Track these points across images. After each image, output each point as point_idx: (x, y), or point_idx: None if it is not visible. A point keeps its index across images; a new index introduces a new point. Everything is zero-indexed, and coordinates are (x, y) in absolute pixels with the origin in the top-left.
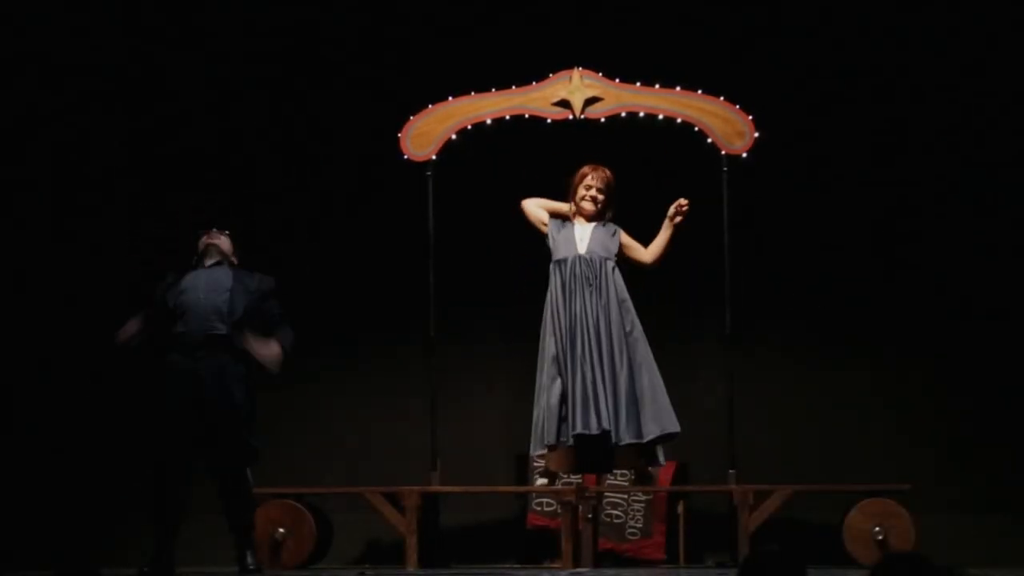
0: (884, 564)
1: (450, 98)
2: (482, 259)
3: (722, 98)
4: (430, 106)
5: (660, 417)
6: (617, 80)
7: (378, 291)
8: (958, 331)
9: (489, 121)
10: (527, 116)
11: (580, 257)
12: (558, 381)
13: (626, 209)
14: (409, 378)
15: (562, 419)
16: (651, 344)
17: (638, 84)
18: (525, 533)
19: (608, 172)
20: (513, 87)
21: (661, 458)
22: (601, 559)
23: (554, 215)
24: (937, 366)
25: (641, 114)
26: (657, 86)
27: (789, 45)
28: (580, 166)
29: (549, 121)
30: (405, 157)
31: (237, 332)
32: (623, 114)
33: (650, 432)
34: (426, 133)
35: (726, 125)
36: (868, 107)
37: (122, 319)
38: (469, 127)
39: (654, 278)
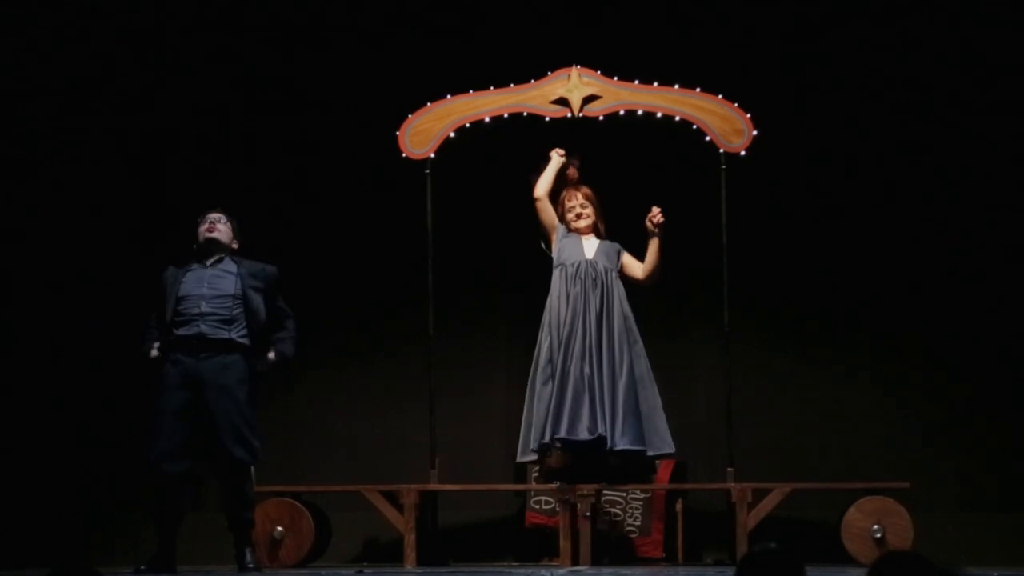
0: (882, 562)
1: (448, 96)
2: (481, 257)
3: (720, 96)
4: (429, 104)
5: (661, 434)
6: (615, 78)
7: (377, 289)
8: (958, 329)
9: (488, 119)
10: (525, 114)
11: (588, 262)
12: (550, 384)
13: (625, 207)
14: (408, 376)
15: (554, 421)
16: (650, 341)
17: (636, 82)
18: (523, 531)
19: (586, 188)
20: (512, 85)
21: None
22: (599, 557)
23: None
24: (936, 365)
25: (639, 112)
26: (655, 84)
27: (788, 43)
28: (579, 161)
29: (547, 119)
30: (404, 155)
31: (262, 336)
32: (621, 112)
33: (655, 447)
34: (425, 131)
35: (724, 123)
36: (868, 105)
37: (122, 317)
38: (467, 125)
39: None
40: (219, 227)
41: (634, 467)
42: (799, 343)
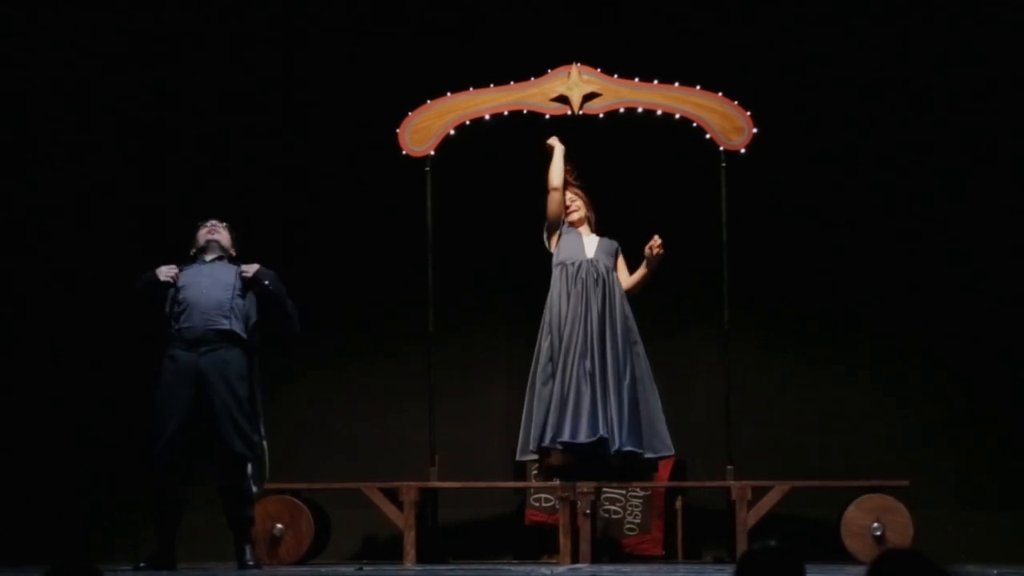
0: (882, 560)
1: (448, 94)
2: (481, 254)
3: (720, 94)
4: (428, 101)
5: (661, 437)
6: (615, 76)
7: (377, 286)
8: (958, 327)
9: (487, 117)
10: (525, 112)
11: (589, 261)
12: (550, 384)
13: (625, 205)
14: (408, 373)
15: (555, 422)
16: (650, 339)
17: (636, 80)
18: (523, 529)
19: (573, 187)
20: (511, 83)
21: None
22: (599, 555)
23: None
24: (936, 362)
25: (639, 110)
26: (655, 82)
27: (788, 40)
28: (578, 162)
29: (547, 117)
30: (404, 152)
31: (252, 334)
32: (621, 110)
33: (654, 450)
34: (424, 128)
35: (724, 121)
36: (868, 104)
37: (122, 317)
38: (467, 123)
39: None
40: (220, 231)
41: (633, 469)
42: (799, 341)
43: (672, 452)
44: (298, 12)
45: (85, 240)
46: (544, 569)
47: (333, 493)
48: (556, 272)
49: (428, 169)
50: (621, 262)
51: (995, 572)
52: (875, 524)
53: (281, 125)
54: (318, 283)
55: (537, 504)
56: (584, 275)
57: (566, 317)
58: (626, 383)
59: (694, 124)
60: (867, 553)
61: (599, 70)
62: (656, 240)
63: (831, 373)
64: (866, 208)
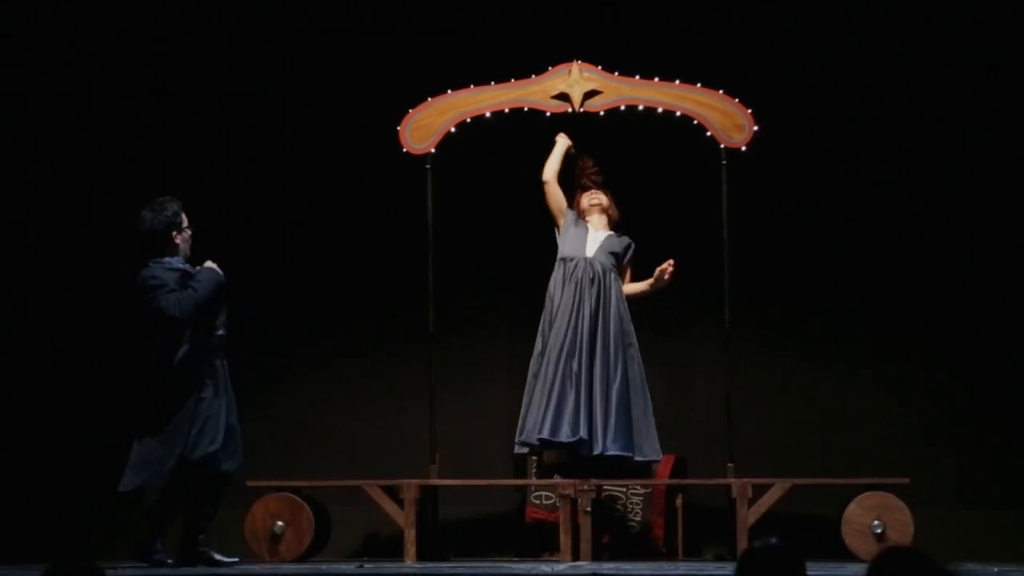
0: (882, 558)
1: (449, 91)
2: (481, 252)
3: (721, 91)
4: (429, 99)
5: (651, 441)
6: (616, 73)
7: (378, 284)
8: (959, 326)
9: (488, 114)
10: (526, 109)
11: (586, 260)
12: (537, 379)
13: (626, 203)
14: (408, 371)
15: (538, 419)
16: (651, 337)
17: (637, 77)
18: (524, 526)
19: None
20: (512, 80)
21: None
22: (599, 552)
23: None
24: (937, 360)
25: (640, 107)
26: (656, 79)
27: (788, 38)
28: (578, 159)
29: (548, 114)
30: (404, 150)
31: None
32: (622, 107)
33: (643, 454)
34: (425, 126)
35: (725, 118)
36: (869, 102)
37: (122, 317)
38: (468, 120)
39: (652, 271)
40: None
41: (623, 470)
42: (800, 340)
43: (659, 457)
44: (298, 12)
45: (85, 240)
46: (545, 566)
47: (334, 490)
48: (556, 266)
49: (429, 167)
50: (629, 267)
51: (996, 570)
52: (876, 522)
53: (281, 125)
54: (318, 282)
55: (538, 502)
56: (580, 274)
57: (557, 313)
58: (615, 386)
59: (695, 122)
60: (868, 551)
61: (600, 67)
62: (670, 265)
63: (832, 371)
64: (867, 206)
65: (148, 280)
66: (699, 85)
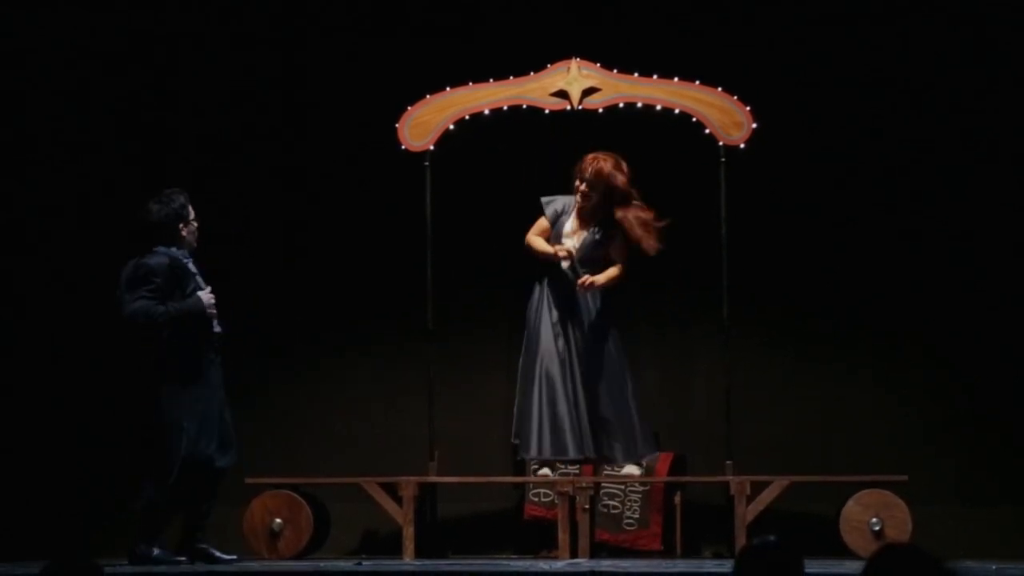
0: (881, 555)
1: (448, 88)
2: (480, 249)
3: (720, 89)
4: (428, 96)
5: (647, 439)
6: (615, 71)
7: (376, 281)
8: (959, 325)
9: (487, 111)
10: (525, 107)
11: (569, 262)
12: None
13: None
14: (407, 368)
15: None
16: (650, 335)
17: (636, 75)
18: (522, 524)
19: (603, 164)
20: (511, 77)
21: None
22: (598, 550)
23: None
24: (936, 358)
25: (639, 105)
26: (655, 77)
27: (787, 35)
28: (578, 157)
29: (547, 112)
30: (403, 147)
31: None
32: (621, 105)
33: (642, 452)
34: (424, 123)
35: (724, 116)
36: (869, 100)
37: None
38: (467, 117)
39: (652, 270)
40: None
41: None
42: (799, 338)
43: (657, 454)
44: (298, 12)
45: (85, 240)
46: (543, 564)
47: (332, 488)
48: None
49: (427, 164)
50: (616, 247)
51: (994, 567)
52: (874, 519)
53: (281, 125)
54: (317, 280)
55: (536, 499)
56: (560, 276)
57: (544, 317)
58: (604, 387)
59: (693, 119)
60: (866, 548)
61: (598, 65)
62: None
63: (831, 370)
64: (867, 205)
65: (137, 271)
66: (697, 82)
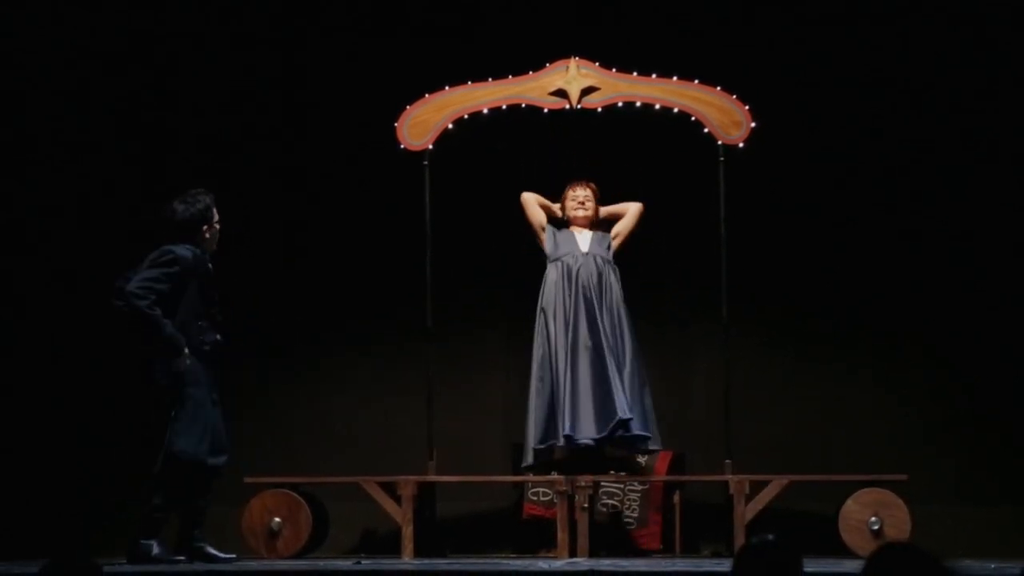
0: (880, 553)
1: (447, 87)
2: (479, 248)
3: (719, 88)
4: (427, 95)
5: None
6: (614, 70)
7: (376, 281)
8: (958, 325)
9: (486, 111)
10: (524, 106)
11: (584, 255)
12: (546, 384)
13: (623, 200)
14: (406, 367)
15: (552, 423)
16: (650, 334)
17: (635, 74)
18: (521, 523)
19: (592, 184)
20: (510, 77)
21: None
22: (597, 549)
23: (551, 220)
24: (935, 357)
25: (637, 104)
26: (654, 76)
27: (786, 35)
28: (577, 157)
29: (546, 111)
30: (402, 147)
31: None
32: (619, 104)
33: (654, 441)
34: (423, 122)
35: (723, 115)
36: (868, 99)
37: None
38: (466, 117)
39: (651, 268)
40: None
41: (622, 464)
42: (798, 337)
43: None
44: (298, 12)
45: (85, 240)
46: (542, 563)
47: (331, 487)
48: (551, 268)
49: (426, 163)
50: (618, 227)
51: (992, 566)
52: (873, 518)
53: (281, 125)
54: (318, 280)
55: (535, 498)
56: (580, 269)
57: (560, 312)
58: (626, 370)
59: (692, 118)
60: (865, 547)
61: (597, 64)
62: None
63: (831, 370)
64: (866, 205)
65: (163, 255)
66: (696, 81)
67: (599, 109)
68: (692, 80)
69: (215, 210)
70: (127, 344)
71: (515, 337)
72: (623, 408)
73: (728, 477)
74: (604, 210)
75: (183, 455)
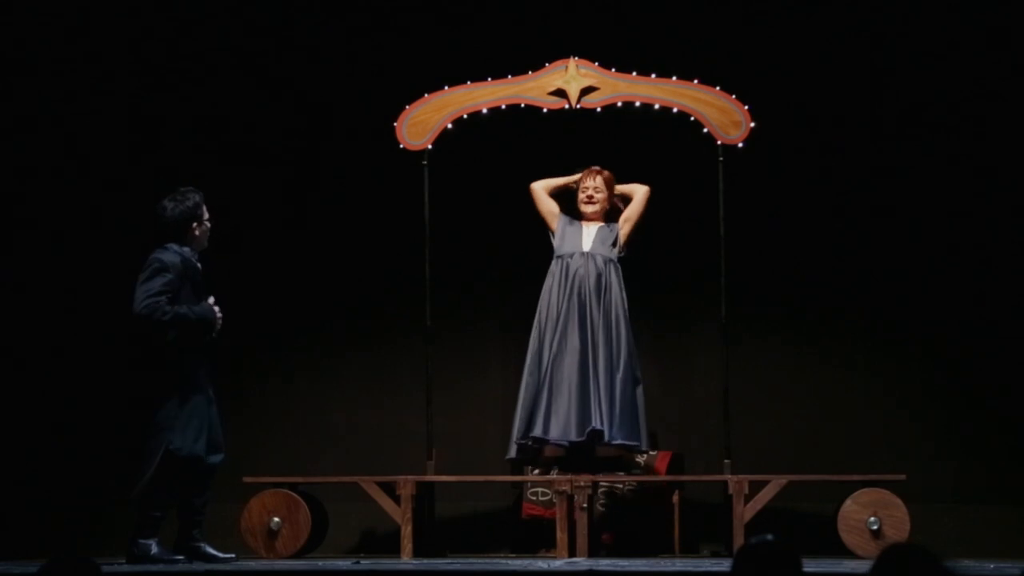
0: (887, 554)
1: (446, 87)
2: (479, 248)
3: (718, 88)
4: (426, 95)
5: (642, 432)
6: (613, 70)
7: (374, 280)
8: (956, 322)
9: (485, 110)
10: (523, 105)
11: (585, 254)
12: (536, 378)
13: (621, 200)
14: (405, 367)
15: (543, 420)
16: (649, 333)
17: (634, 74)
18: (520, 523)
19: (606, 173)
20: (509, 76)
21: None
22: (596, 548)
23: (563, 210)
24: (934, 356)
25: (637, 104)
26: (653, 76)
27: (786, 35)
28: (576, 156)
29: (545, 111)
30: (401, 146)
31: None
32: (619, 104)
33: (639, 442)
34: (422, 122)
35: (722, 115)
36: (866, 96)
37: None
38: (465, 116)
39: (651, 268)
40: None
41: (618, 464)
42: (798, 337)
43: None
44: (298, 12)
45: (85, 240)
46: (541, 563)
47: (330, 487)
48: (554, 264)
49: (426, 163)
50: (627, 212)
51: (992, 566)
52: (872, 518)
53: (281, 125)
54: (316, 278)
55: (534, 498)
56: (580, 268)
57: (558, 309)
58: (620, 376)
59: (692, 118)
60: (864, 547)
61: (597, 64)
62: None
63: (831, 370)
64: (866, 205)
65: (150, 265)
66: (696, 81)
67: (598, 109)
68: (691, 80)
69: (205, 208)
70: (149, 346)
71: (514, 337)
72: (597, 418)
73: (727, 477)
74: (617, 188)
75: (180, 452)
